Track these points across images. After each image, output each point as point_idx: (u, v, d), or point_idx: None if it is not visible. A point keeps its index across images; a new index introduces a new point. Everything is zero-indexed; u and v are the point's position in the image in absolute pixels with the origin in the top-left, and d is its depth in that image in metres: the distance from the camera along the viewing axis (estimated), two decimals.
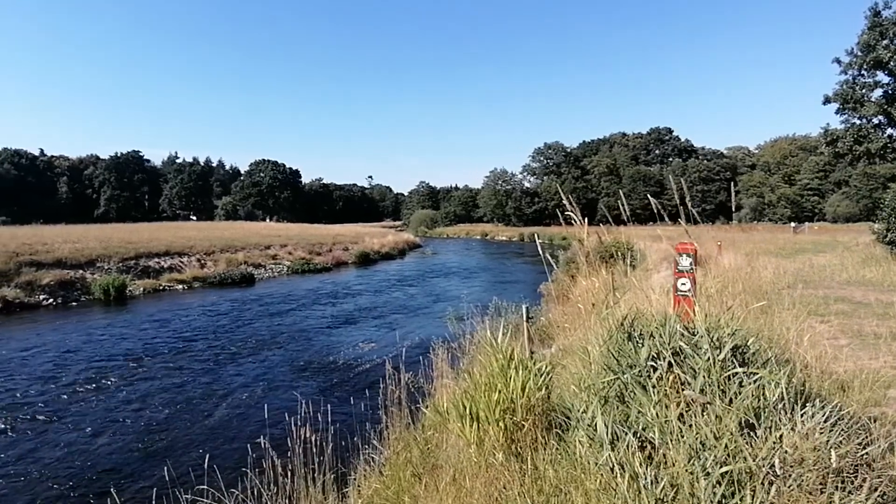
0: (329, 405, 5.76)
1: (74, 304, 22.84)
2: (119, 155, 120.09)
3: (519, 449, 3.77)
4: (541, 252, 4.82)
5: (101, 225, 56.43)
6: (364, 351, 14.14)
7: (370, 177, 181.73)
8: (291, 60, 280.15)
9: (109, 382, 11.92)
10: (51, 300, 22.75)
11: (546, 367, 4.14)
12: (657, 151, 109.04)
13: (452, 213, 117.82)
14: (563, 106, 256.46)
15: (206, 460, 4.95)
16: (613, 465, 2.89)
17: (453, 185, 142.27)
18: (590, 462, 3.10)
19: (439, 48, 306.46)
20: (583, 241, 4.84)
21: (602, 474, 2.98)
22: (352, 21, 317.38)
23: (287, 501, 4.86)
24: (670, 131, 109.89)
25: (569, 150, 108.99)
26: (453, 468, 4.05)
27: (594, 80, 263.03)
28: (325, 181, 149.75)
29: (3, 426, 9.27)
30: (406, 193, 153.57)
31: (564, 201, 4.51)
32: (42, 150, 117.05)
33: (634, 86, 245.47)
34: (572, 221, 4.72)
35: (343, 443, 5.70)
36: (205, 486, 4.64)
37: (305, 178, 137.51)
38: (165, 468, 6.41)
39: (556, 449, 3.58)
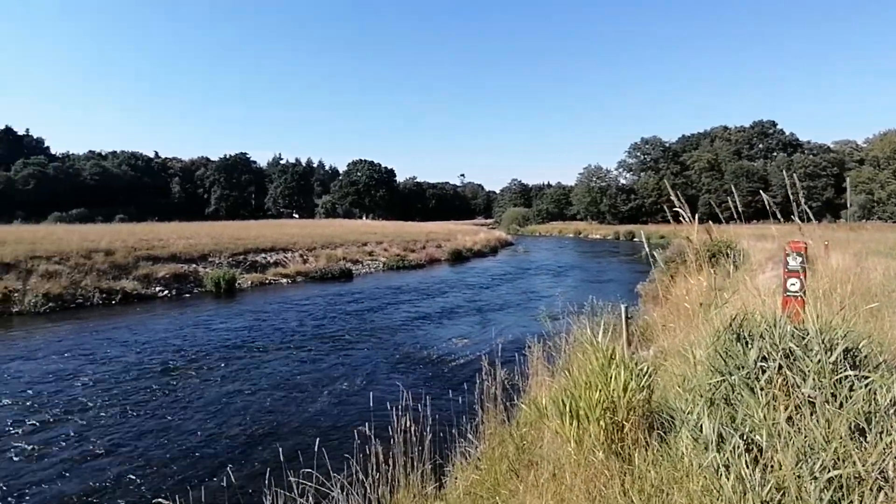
0: (427, 397, 5.92)
1: (188, 295, 24.40)
2: (228, 157, 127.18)
3: (619, 448, 3.77)
4: (647, 249, 4.74)
5: (211, 222, 60.01)
6: (458, 346, 14.34)
7: (462, 175, 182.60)
8: (386, 61, 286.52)
9: (219, 369, 12.73)
10: (166, 292, 24.42)
11: (648, 368, 4.12)
12: (760, 146, 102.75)
13: (545, 211, 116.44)
14: (662, 99, 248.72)
15: (315, 445, 5.18)
16: (718, 467, 2.86)
17: (546, 183, 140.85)
18: (693, 463, 3.08)
19: (533, 43, 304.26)
20: (691, 239, 4.72)
21: (706, 476, 2.95)
22: (442, 20, 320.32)
23: (388, 488, 5.01)
24: (774, 124, 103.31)
25: (667, 144, 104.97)
26: (552, 465, 4.09)
27: (693, 70, 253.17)
28: (418, 180, 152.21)
29: (123, 408, 10.08)
30: (498, 191, 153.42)
31: (672, 197, 4.41)
32: (156, 153, 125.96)
33: (736, 76, 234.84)
34: (674, 219, 4.61)
35: (441, 434, 5.84)
36: (310, 470, 4.85)
37: (400, 177, 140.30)
38: (273, 451, 6.87)
39: (658, 450, 3.56)
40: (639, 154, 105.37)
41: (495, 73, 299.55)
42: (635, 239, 71.14)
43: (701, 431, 3.11)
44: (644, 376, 3.96)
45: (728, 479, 2.77)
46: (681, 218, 4.43)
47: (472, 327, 17.16)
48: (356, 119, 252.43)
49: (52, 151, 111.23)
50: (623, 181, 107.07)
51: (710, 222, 6.66)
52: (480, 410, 6.38)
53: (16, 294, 20.36)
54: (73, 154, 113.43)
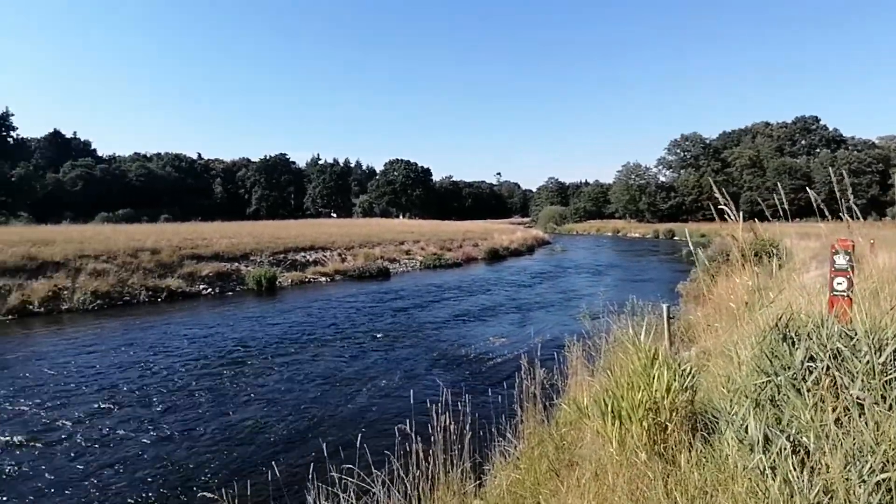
0: (467, 396, 5.95)
1: (230, 293, 24.94)
2: (268, 157, 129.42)
3: (662, 450, 3.75)
4: (690, 246, 4.68)
5: (252, 222, 61.05)
6: (496, 345, 14.35)
7: (498, 174, 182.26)
8: (422, 61, 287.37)
9: (262, 364, 13.00)
10: (209, 290, 24.99)
11: (691, 368, 4.08)
12: (803, 142, 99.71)
13: (582, 209, 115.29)
14: (702, 94, 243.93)
15: (355, 441, 5.25)
16: (764, 469, 2.83)
17: (583, 181, 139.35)
18: (738, 465, 3.05)
19: (570, 40, 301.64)
20: (736, 237, 4.65)
21: (750, 478, 2.93)
22: (479, 18, 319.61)
23: (428, 485, 5.05)
24: (817, 120, 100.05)
25: (707, 141, 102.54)
26: (594, 465, 4.09)
27: (735, 65, 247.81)
28: (454, 179, 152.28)
29: (170, 402, 10.37)
30: (534, 190, 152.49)
31: (717, 194, 4.35)
32: (199, 154, 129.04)
33: (778, 71, 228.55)
34: (719, 216, 4.54)
35: (481, 433, 5.86)
36: (351, 466, 4.91)
37: (436, 176, 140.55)
38: (315, 445, 7.00)
39: (701, 451, 3.53)
40: (678, 151, 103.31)
41: (532, 71, 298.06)
42: (675, 237, 70.04)
43: (746, 433, 3.08)
44: (687, 377, 3.93)
45: (774, 481, 2.74)
46: (726, 215, 4.37)
47: (509, 326, 17.14)
48: (393, 119, 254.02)
49: (99, 153, 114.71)
50: (662, 179, 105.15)
51: (756, 220, 6.54)
52: (520, 410, 6.38)
53: (65, 292, 21.07)
54: (118, 156, 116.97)
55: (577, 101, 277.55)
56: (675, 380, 3.81)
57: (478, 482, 5.39)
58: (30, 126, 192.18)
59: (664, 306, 6.43)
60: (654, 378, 3.84)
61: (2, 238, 25.47)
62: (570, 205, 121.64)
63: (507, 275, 32.28)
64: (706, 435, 3.68)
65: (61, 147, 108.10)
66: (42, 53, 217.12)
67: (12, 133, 64.29)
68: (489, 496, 5.13)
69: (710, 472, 3.26)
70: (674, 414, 3.77)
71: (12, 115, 63.26)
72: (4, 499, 6.78)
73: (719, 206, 4.38)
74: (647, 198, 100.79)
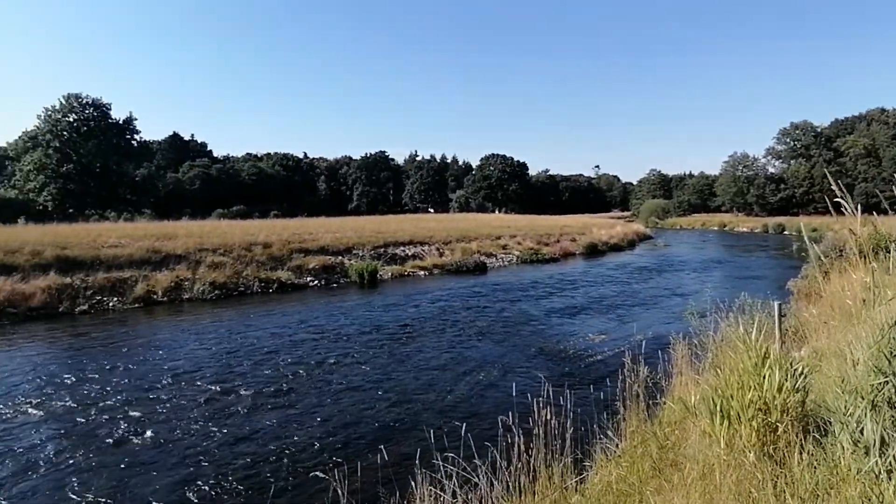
0: (568, 391, 5.98)
1: (335, 285, 25.96)
2: (368, 155, 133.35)
3: (772, 451, 3.69)
4: (807, 241, 4.51)
5: (354, 217, 63.14)
6: (595, 342, 14.20)
7: (597, 166, 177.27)
8: (516, 56, 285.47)
9: (366, 353, 13.53)
10: (316, 282, 26.12)
11: (803, 368, 3.97)
12: None
13: (686, 203, 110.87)
14: (812, 79, 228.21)
15: (457, 430, 5.41)
16: (879, 472, 2.76)
17: (687, 173, 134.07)
18: (851, 468, 2.98)
19: (671, 26, 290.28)
20: (854, 232, 4.43)
21: (864, 481, 2.85)
22: (574, 10, 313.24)
23: (529, 478, 5.11)
24: None
25: (819, 129, 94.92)
26: (700, 465, 4.06)
27: (847, 48, 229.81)
28: (551, 172, 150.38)
29: (282, 386, 10.98)
30: (635, 182, 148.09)
31: (833, 186, 4.16)
32: (305, 153, 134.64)
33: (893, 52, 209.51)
34: (835, 209, 4.33)
35: (583, 429, 5.88)
36: (452, 455, 5.06)
37: (532, 171, 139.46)
38: (419, 433, 7.24)
39: (812, 453, 3.45)
40: (788, 140, 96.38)
41: (632, 59, 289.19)
42: (785, 232, 66.29)
43: (861, 435, 3.00)
44: (799, 377, 3.84)
45: (889, 484, 2.67)
46: (842, 208, 4.17)
47: (609, 323, 16.89)
48: (489, 114, 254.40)
49: (215, 154, 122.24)
50: (772, 170, 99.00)
51: (873, 213, 6.15)
52: (622, 408, 6.35)
53: (186, 282, 22.66)
54: (232, 156, 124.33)
55: (680, 89, 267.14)
56: (786, 380, 3.73)
57: (579, 478, 5.40)
58: (152, 129, 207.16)
59: (775, 304, 6.19)
60: (764, 378, 3.78)
61: (129, 233, 27.73)
62: (673, 198, 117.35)
63: (607, 270, 31.70)
64: (818, 437, 3.59)
65: (180, 148, 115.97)
66: (160, 61, 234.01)
67: (136, 136, 69.23)
68: (589, 492, 5.14)
69: (821, 475, 3.19)
70: (785, 415, 3.69)
71: (136, 119, 68.05)
72: (131, 471, 7.47)
73: (835, 199, 4.19)
74: (756, 190, 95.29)
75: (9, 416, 9.53)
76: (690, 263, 35.19)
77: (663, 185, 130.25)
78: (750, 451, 3.68)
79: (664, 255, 42.08)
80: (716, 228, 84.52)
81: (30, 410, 9.76)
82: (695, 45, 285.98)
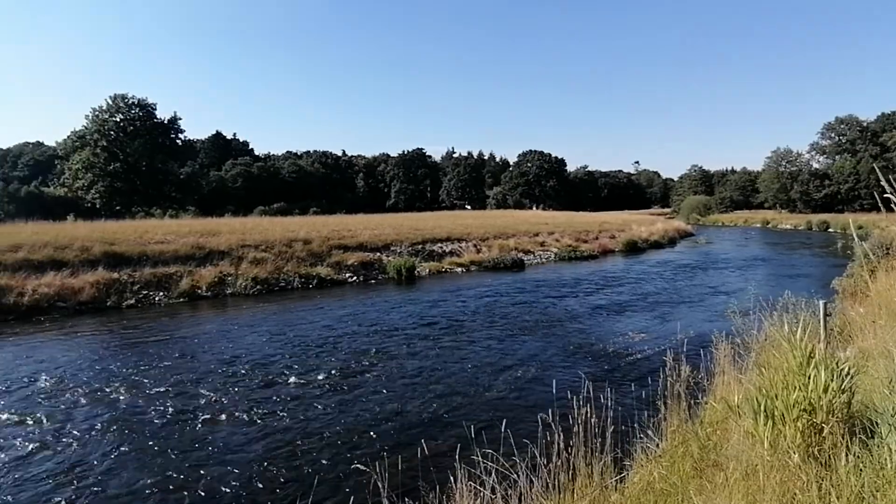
0: (608, 389, 5.95)
1: (373, 281, 26.22)
2: (406, 153, 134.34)
3: (816, 452, 3.64)
4: (855, 238, 4.43)
5: (392, 214, 63.58)
6: (635, 341, 14.06)
7: (636, 162, 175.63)
8: (555, 52, 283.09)
9: (404, 348, 13.68)
10: (354, 278, 26.40)
11: (849, 368, 3.90)
12: None
13: (728, 199, 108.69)
14: (858, 72, 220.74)
15: (495, 426, 5.42)
16: None
17: (729, 168, 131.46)
18: None
19: (709, 19, 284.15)
20: None
21: None
22: (615, 9, 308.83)
23: (568, 476, 5.10)
24: None
25: (864, 123, 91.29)
26: (744, 465, 4.02)
27: (893, 40, 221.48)
28: (589, 168, 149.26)
29: (321, 379, 11.16)
30: (676, 178, 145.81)
31: (882, 182, 4.05)
32: (344, 151, 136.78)
33: None
34: (885, 206, 4.20)
35: (623, 427, 5.85)
36: (491, 451, 5.08)
37: (570, 167, 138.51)
38: (458, 428, 7.30)
39: (858, 456, 3.39)
40: (833, 135, 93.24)
41: (672, 53, 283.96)
42: (829, 229, 64.51)
43: None
44: (845, 377, 3.77)
45: None
46: (892, 205, 4.06)
47: (650, 321, 16.69)
48: (526, 111, 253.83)
49: (256, 153, 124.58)
50: (816, 165, 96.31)
51: None
52: (663, 406, 6.30)
53: (229, 277, 23.15)
54: (273, 154, 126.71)
55: (723, 82, 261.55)
56: (832, 380, 3.68)
57: (618, 477, 5.37)
58: (196, 128, 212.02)
59: (820, 303, 6.07)
60: (810, 378, 3.73)
61: (174, 230, 28.46)
62: (714, 194, 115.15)
63: (647, 268, 31.30)
64: (864, 438, 3.52)
65: (223, 147, 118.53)
66: (205, 62, 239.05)
67: (180, 135, 71.00)
68: (629, 492, 5.12)
69: (867, 477, 3.14)
70: (830, 416, 3.64)
71: (180, 118, 69.78)
72: (177, 457, 7.70)
73: (884, 195, 4.08)
74: (800, 186, 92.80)
75: (65, 404, 9.90)
76: (733, 261, 34.50)
77: (705, 182, 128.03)
78: (794, 453, 3.64)
79: (706, 252, 41.34)
80: (758, 225, 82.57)
81: (83, 399, 10.13)
82: (737, 37, 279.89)
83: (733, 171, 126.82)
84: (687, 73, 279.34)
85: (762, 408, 3.84)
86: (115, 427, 8.88)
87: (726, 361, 7.45)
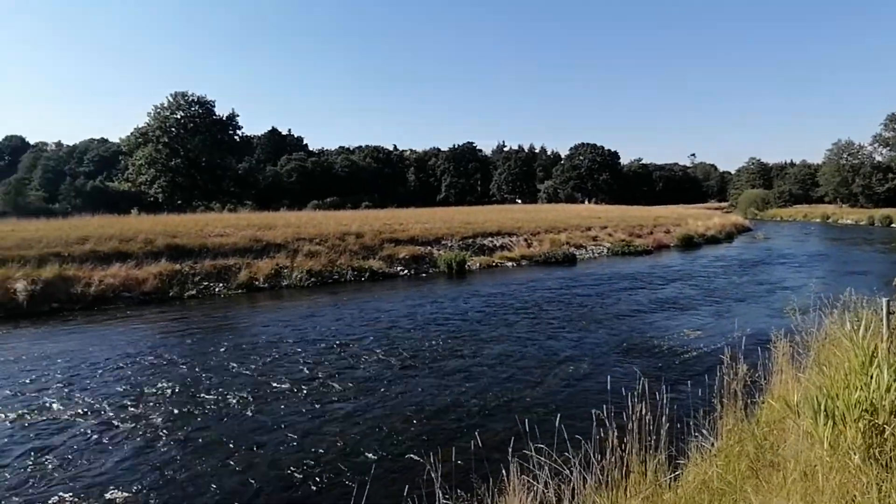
0: (664, 386, 5.90)
1: (424, 275, 26.48)
2: (456, 147, 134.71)
3: (877, 454, 3.57)
4: None
5: (443, 208, 63.84)
6: (691, 338, 13.82)
7: (692, 155, 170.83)
8: (607, 41, 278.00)
9: (455, 341, 13.82)
10: (405, 271, 26.72)
11: None
12: None
13: (787, 193, 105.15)
14: None
15: (548, 421, 5.46)
16: None
17: (788, 161, 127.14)
18: None
19: (767, 6, 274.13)
20: None
21: None
22: None
23: (621, 473, 5.09)
24: None
25: None
26: (802, 465, 3.97)
27: None
28: (644, 161, 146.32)
29: (374, 370, 11.37)
30: (733, 172, 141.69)
31: None
32: (395, 146, 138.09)
33: None
34: None
35: (678, 425, 5.82)
36: (542, 445, 5.11)
37: (624, 160, 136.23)
38: (510, 422, 7.34)
39: None
40: None
41: (729, 40, 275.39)
42: (893, 224, 61.74)
43: None
44: None
45: None
46: None
47: (705, 318, 16.37)
48: (578, 103, 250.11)
49: (310, 148, 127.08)
50: (879, 158, 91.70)
51: None
52: (719, 405, 6.22)
53: (285, 270, 23.74)
54: (326, 149, 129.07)
55: (782, 71, 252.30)
56: (895, 380, 3.60)
57: (673, 475, 5.34)
58: (252, 124, 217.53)
59: (883, 300, 5.86)
60: (872, 377, 3.66)
61: (232, 223, 29.35)
62: (773, 188, 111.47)
63: (703, 264, 30.65)
64: None
65: (278, 143, 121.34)
66: (261, 61, 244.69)
67: (238, 131, 72.82)
68: (683, 490, 5.10)
69: None
70: (893, 416, 3.57)
71: (237, 115, 71.51)
72: (235, 444, 8.00)
73: None
74: (862, 180, 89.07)
75: (131, 387, 10.40)
76: (791, 257, 33.43)
77: (763, 175, 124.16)
78: (855, 454, 3.59)
79: (764, 248, 40.14)
80: (818, 220, 79.75)
81: (147, 386, 10.60)
82: (797, 24, 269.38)
83: (792, 164, 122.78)
84: (745, 62, 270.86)
85: (822, 407, 3.79)
86: (186, 408, 9.32)
87: (784, 360, 7.31)
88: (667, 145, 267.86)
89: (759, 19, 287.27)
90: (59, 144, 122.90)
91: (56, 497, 6.56)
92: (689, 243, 41.15)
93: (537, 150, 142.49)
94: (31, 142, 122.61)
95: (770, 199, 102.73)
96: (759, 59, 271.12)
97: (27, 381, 10.93)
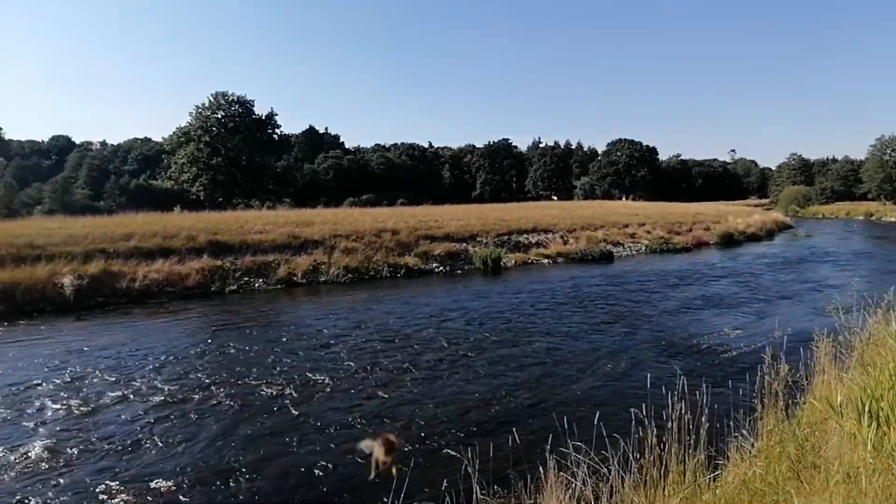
0: (704, 386, 5.86)
1: (459, 271, 26.58)
2: (491, 143, 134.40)
3: None
4: None
5: (478, 205, 63.74)
6: (730, 337, 13.63)
7: (732, 150, 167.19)
8: (644, 34, 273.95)
9: (492, 337, 13.90)
10: (441, 268, 26.83)
11: None
12: None
13: (829, 190, 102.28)
14: None
15: (585, 419, 5.45)
16: None
17: (830, 157, 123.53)
18: None
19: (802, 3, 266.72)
20: None
21: None
22: None
23: (659, 472, 5.07)
24: None
25: None
26: (845, 467, 3.94)
27: None
28: (682, 157, 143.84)
29: (410, 366, 11.46)
30: (774, 168, 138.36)
31: None
32: (430, 143, 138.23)
33: None
34: None
35: (717, 425, 5.78)
36: (579, 443, 5.12)
37: (662, 156, 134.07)
38: (547, 420, 7.34)
39: None
40: None
41: (770, 33, 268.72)
42: None
43: None
44: None
45: None
46: None
47: (746, 317, 16.11)
48: (615, 99, 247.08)
49: (346, 146, 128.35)
50: None
51: None
52: (759, 405, 6.16)
53: (322, 266, 24.07)
54: (362, 147, 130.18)
55: (823, 65, 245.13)
56: None
57: (712, 475, 5.30)
58: (290, 123, 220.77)
59: None
60: None
61: (271, 220, 29.80)
62: (815, 184, 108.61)
63: (744, 261, 30.12)
64: None
65: (315, 141, 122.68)
66: (299, 60, 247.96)
67: (277, 130, 73.80)
68: (723, 490, 5.07)
69: None
70: None
71: (276, 114, 72.49)
72: (273, 435, 8.19)
73: None
74: None
75: (178, 377, 10.71)
76: (834, 255, 32.62)
77: (804, 171, 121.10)
78: None
79: (806, 245, 39.24)
80: (861, 218, 77.37)
81: (191, 375, 10.91)
82: (838, 17, 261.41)
83: (835, 160, 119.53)
84: (786, 56, 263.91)
85: (866, 409, 3.76)
86: (228, 399, 9.57)
87: (827, 360, 7.20)
88: (706, 141, 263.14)
89: (793, 14, 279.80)
90: (103, 144, 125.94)
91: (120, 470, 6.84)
92: (728, 241, 40.39)
93: (573, 147, 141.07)
94: (77, 141, 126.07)
95: (811, 196, 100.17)
96: (803, 53, 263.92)
97: (79, 370, 11.33)
